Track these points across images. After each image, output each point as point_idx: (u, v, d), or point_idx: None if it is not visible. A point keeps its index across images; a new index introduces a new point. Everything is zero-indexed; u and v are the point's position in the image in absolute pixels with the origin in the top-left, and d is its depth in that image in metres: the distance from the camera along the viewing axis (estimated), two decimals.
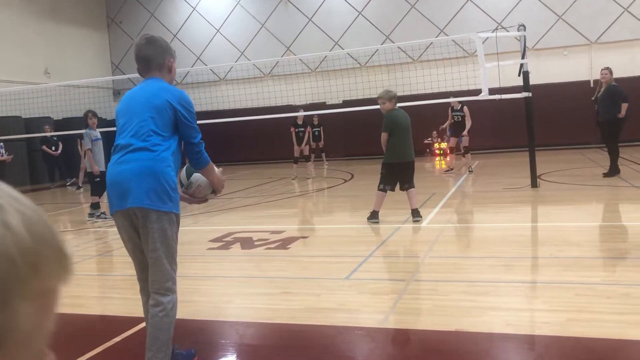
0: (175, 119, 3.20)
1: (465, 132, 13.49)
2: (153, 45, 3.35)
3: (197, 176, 3.43)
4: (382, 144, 7.72)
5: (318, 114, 17.61)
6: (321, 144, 18.75)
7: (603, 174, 11.02)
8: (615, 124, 10.74)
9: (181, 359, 3.44)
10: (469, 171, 13.48)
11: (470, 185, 11.63)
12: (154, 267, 3.13)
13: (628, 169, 11.74)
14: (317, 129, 18.66)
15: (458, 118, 13.57)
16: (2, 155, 13.07)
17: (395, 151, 7.67)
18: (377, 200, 7.84)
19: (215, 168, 3.43)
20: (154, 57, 3.34)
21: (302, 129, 15.57)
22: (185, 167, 3.50)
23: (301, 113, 15.49)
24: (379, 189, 7.82)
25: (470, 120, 13.40)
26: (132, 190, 3.06)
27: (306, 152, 15.72)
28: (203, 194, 3.49)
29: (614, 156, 10.96)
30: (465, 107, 13.36)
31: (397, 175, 7.76)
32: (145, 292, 3.32)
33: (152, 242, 3.09)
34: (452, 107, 13.58)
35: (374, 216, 7.83)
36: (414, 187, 7.81)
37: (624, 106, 10.66)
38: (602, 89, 11.00)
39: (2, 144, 13.30)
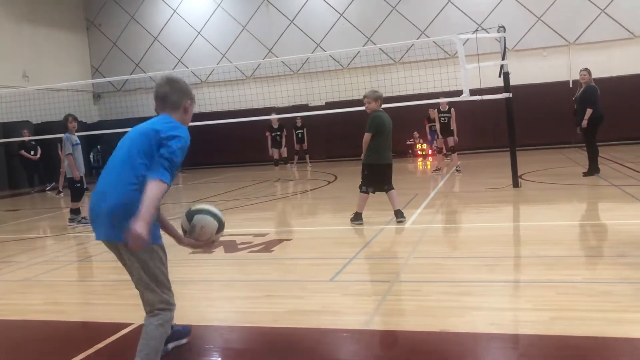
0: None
1: (455, 137, 13.51)
2: (171, 85, 3.38)
3: (198, 218, 3.45)
4: (364, 143, 7.70)
5: (301, 116, 17.64)
6: (304, 145, 18.77)
7: (583, 173, 11.16)
8: (592, 124, 10.87)
9: (177, 335, 3.69)
10: (457, 170, 13.56)
11: (452, 186, 11.70)
12: (145, 293, 3.24)
13: (608, 168, 11.89)
14: (300, 130, 18.67)
15: (444, 120, 13.62)
16: None
17: (378, 153, 7.69)
18: (359, 202, 7.85)
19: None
20: (169, 96, 3.35)
21: (278, 133, 15.45)
22: (185, 212, 3.51)
23: (274, 116, 15.37)
24: (361, 191, 7.84)
25: (455, 122, 13.46)
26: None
27: (285, 155, 15.63)
28: (208, 235, 3.49)
29: (592, 155, 11.10)
30: (452, 109, 13.40)
31: (379, 176, 7.79)
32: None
33: (136, 273, 3.22)
34: (439, 109, 13.61)
35: (357, 218, 7.84)
36: (393, 189, 7.83)
37: (588, 112, 10.79)
38: (580, 90, 11.14)
39: None
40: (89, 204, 3.26)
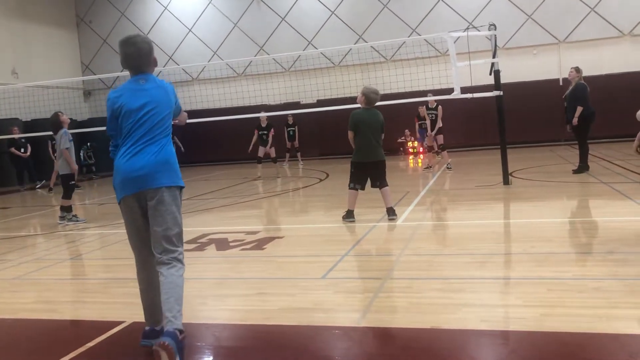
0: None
1: (432, 133, 13.64)
2: (141, 52, 3.76)
3: None
4: (350, 141, 7.88)
5: (292, 114, 17.62)
6: (296, 143, 18.77)
7: (573, 170, 11.23)
8: (584, 121, 10.94)
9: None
10: (447, 168, 13.63)
11: (443, 183, 11.74)
12: (169, 242, 3.60)
13: (597, 165, 11.99)
14: (292, 128, 18.67)
15: (432, 117, 13.71)
16: None
17: (361, 151, 7.76)
18: (349, 199, 7.89)
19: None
20: (148, 54, 3.79)
21: (265, 132, 15.41)
22: None
23: (263, 114, 15.34)
24: (349, 188, 7.88)
25: (441, 121, 13.55)
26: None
27: (273, 154, 15.57)
28: None
29: (582, 152, 11.17)
30: (440, 106, 13.49)
31: (365, 174, 7.83)
32: (144, 271, 3.72)
33: (171, 219, 3.63)
34: (428, 106, 13.68)
35: (349, 215, 7.86)
36: (387, 186, 7.86)
37: (578, 110, 10.86)
38: (570, 88, 11.21)
39: None
40: (122, 167, 3.61)
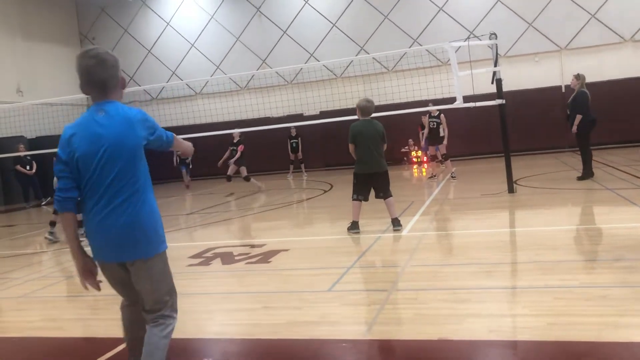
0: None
1: (445, 142, 13.61)
2: (105, 66, 3.04)
3: None
4: (351, 154, 7.92)
5: (295, 126, 17.67)
6: (299, 155, 18.82)
7: (577, 177, 11.20)
8: (583, 129, 10.94)
9: None
10: (452, 177, 13.61)
11: (448, 193, 11.72)
12: (158, 303, 3.14)
13: (601, 171, 11.95)
14: (294, 140, 18.72)
15: (434, 125, 13.69)
16: None
17: (361, 162, 7.80)
18: (353, 211, 7.89)
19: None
20: (110, 79, 3.06)
21: (234, 147, 15.20)
22: None
23: (235, 130, 15.07)
24: (352, 199, 7.90)
25: (446, 128, 13.56)
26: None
27: (244, 173, 15.15)
28: None
29: (585, 159, 11.15)
30: (442, 114, 13.50)
31: (368, 184, 7.84)
32: (129, 307, 3.28)
33: (154, 283, 3.13)
34: (430, 114, 13.69)
35: (354, 226, 7.85)
36: (391, 196, 7.85)
37: (577, 118, 10.87)
38: (572, 95, 11.24)
39: None
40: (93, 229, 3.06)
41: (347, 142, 7.92)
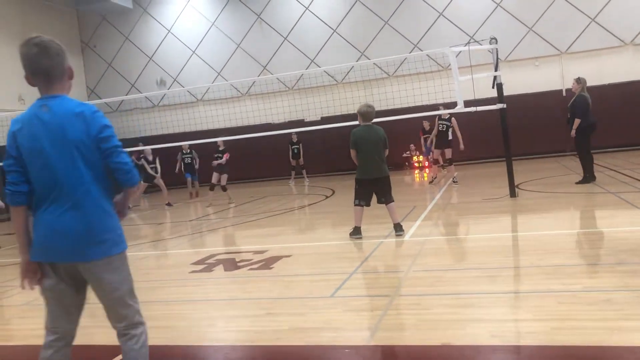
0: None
1: (461, 146, 13.55)
2: (49, 53, 2.88)
3: None
4: (353, 160, 7.94)
5: (297, 132, 17.70)
6: (301, 161, 18.84)
7: (576, 182, 11.19)
8: (582, 133, 10.95)
9: None
10: (453, 181, 13.61)
11: (450, 197, 11.72)
12: (120, 309, 2.99)
13: (603, 175, 11.95)
14: (296, 146, 18.75)
15: (443, 127, 13.67)
16: None
17: (363, 168, 7.81)
18: (355, 216, 7.89)
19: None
20: (54, 68, 2.88)
21: (219, 154, 14.88)
22: None
23: (221, 138, 14.82)
24: (354, 205, 7.91)
25: (458, 132, 13.50)
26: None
27: (223, 182, 14.85)
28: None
29: (585, 163, 11.15)
30: (453, 118, 13.47)
31: (369, 190, 7.85)
32: (52, 346, 3.02)
33: (112, 288, 2.95)
34: (440, 117, 13.66)
35: (356, 232, 7.85)
36: (392, 202, 7.85)
37: (576, 122, 10.89)
38: (572, 99, 11.26)
39: None
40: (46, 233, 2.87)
41: (348, 148, 7.93)
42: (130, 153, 20.13)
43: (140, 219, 13.94)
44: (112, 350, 4.20)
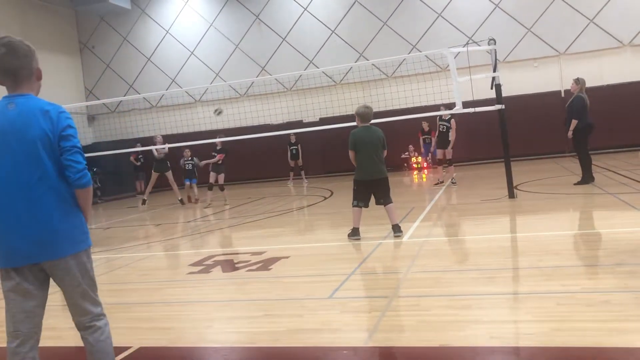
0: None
1: (450, 146, 13.56)
2: (16, 54, 2.92)
3: None
4: (352, 161, 7.90)
5: (295, 133, 17.69)
6: (300, 162, 18.82)
7: (574, 183, 11.19)
8: (579, 133, 10.96)
9: None
10: (452, 182, 13.59)
11: (448, 198, 11.71)
12: (83, 304, 3.06)
13: (602, 176, 11.94)
14: (294, 147, 18.73)
15: (443, 128, 13.65)
16: None
17: (361, 169, 7.79)
18: (354, 217, 7.87)
19: None
20: (21, 69, 2.95)
21: (216, 154, 14.80)
22: None
23: (219, 139, 14.70)
24: (353, 206, 7.88)
25: (454, 134, 13.49)
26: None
27: (221, 181, 14.84)
28: None
29: (583, 164, 11.15)
30: (453, 119, 13.45)
31: (368, 191, 7.83)
32: (32, 341, 3.08)
33: (77, 283, 3.03)
34: (441, 117, 13.64)
35: (354, 233, 7.83)
36: (391, 203, 7.83)
37: (573, 123, 10.91)
38: (570, 100, 11.28)
39: None
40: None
41: (347, 149, 7.91)
42: (129, 154, 20.13)
43: (138, 220, 13.92)
44: None
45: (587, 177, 11.08)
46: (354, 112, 8.02)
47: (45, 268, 2.94)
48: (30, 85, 3.00)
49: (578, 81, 11.20)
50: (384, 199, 7.83)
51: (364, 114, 7.84)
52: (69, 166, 2.88)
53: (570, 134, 10.98)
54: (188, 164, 17.04)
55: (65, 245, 2.90)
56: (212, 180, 14.99)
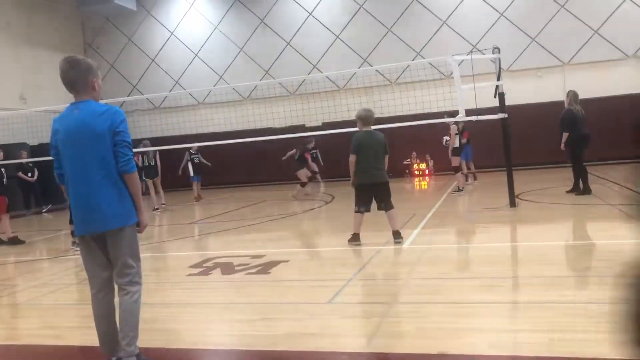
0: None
1: (450, 154, 13.55)
2: (79, 68, 3.69)
3: None
4: (350, 165, 7.78)
5: (297, 137, 17.66)
6: (319, 165, 18.86)
7: (566, 191, 11.30)
8: (574, 145, 11.05)
9: None
10: (458, 189, 13.55)
11: (450, 206, 11.70)
12: (125, 269, 3.72)
13: (604, 187, 11.94)
14: (314, 151, 18.74)
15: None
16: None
17: (363, 173, 7.73)
18: (354, 222, 7.85)
19: None
20: (80, 80, 3.71)
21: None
22: None
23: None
24: (354, 211, 7.85)
25: (453, 140, 13.47)
26: None
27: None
28: None
29: (578, 176, 11.21)
30: (452, 125, 13.40)
31: (369, 195, 7.80)
32: (97, 295, 3.79)
33: (127, 250, 3.74)
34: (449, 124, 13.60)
35: (355, 238, 7.82)
36: (392, 208, 7.81)
37: (564, 136, 11.00)
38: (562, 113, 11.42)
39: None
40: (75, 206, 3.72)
41: (348, 154, 7.87)
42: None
43: None
44: None
45: (585, 188, 11.09)
46: (355, 117, 8.01)
47: (105, 236, 3.68)
48: (89, 93, 3.73)
49: (568, 94, 11.35)
50: (384, 203, 7.80)
51: (366, 117, 7.84)
52: (119, 154, 3.62)
53: (562, 146, 11.10)
54: (195, 157, 17.13)
55: (116, 220, 3.64)
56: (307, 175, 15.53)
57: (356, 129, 8.08)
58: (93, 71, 3.73)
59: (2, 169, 10.99)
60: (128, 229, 3.70)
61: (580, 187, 11.15)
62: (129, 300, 3.69)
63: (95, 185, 3.60)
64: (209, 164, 17.49)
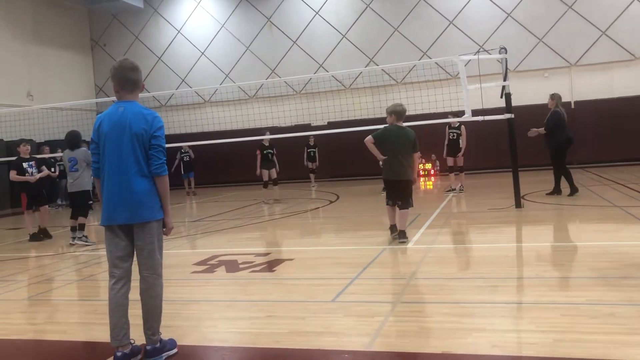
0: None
1: (460, 153, 13.57)
2: (138, 71, 4.13)
3: None
4: (369, 148, 7.87)
5: (303, 135, 17.69)
6: (316, 164, 18.86)
7: (546, 193, 11.32)
8: (558, 147, 11.09)
9: (169, 345, 4.06)
10: (460, 190, 13.54)
11: (455, 206, 11.68)
12: (150, 260, 3.92)
13: (610, 189, 11.89)
14: (312, 149, 18.75)
15: (453, 136, 13.64)
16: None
17: (386, 167, 7.90)
18: (388, 215, 8.09)
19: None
20: (138, 82, 4.14)
21: (270, 151, 15.27)
22: None
23: (267, 136, 15.00)
24: (386, 204, 8.09)
25: (465, 141, 13.49)
26: None
27: (265, 178, 15.23)
28: None
29: (558, 178, 11.42)
30: (463, 126, 13.44)
31: (391, 190, 7.96)
32: (116, 284, 3.92)
33: (151, 243, 3.95)
34: (450, 125, 13.64)
35: (391, 230, 7.99)
36: (406, 208, 7.83)
37: (544, 137, 11.46)
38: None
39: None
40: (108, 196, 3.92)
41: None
42: None
43: None
44: (113, 348, 4.19)
45: (573, 188, 11.14)
46: (386, 111, 7.98)
47: (132, 227, 3.88)
48: (135, 94, 4.11)
49: (553, 97, 11.36)
50: (402, 202, 7.83)
51: (401, 112, 7.89)
52: (152, 157, 3.89)
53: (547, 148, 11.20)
54: (185, 155, 17.32)
55: (145, 213, 3.86)
56: (265, 178, 15.11)
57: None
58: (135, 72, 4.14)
59: (27, 164, 11.14)
60: (155, 222, 3.93)
61: (559, 189, 11.24)
62: (153, 293, 3.91)
63: (130, 177, 3.83)
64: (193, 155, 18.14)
